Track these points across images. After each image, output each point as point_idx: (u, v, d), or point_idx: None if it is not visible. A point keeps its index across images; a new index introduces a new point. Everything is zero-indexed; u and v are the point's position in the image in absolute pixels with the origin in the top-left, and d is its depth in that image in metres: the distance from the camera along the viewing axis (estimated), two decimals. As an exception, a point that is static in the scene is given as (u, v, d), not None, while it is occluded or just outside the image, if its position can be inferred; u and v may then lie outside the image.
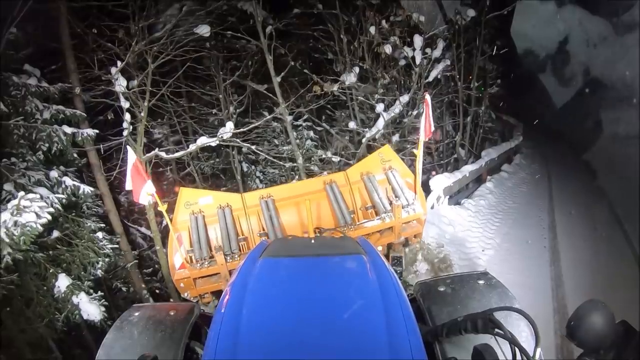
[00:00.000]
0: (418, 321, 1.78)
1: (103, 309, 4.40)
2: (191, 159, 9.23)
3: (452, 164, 10.21)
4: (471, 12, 8.71)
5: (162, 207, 3.16)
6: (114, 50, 5.90)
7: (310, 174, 8.90)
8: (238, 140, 6.67)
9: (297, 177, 9.08)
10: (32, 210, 2.86)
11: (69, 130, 4.37)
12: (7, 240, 2.72)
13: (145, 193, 3.02)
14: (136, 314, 2.32)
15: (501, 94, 12.55)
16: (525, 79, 19.11)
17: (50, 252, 4.39)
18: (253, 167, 10.73)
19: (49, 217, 3.00)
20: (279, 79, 7.23)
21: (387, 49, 6.95)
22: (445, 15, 9.41)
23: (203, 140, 5.96)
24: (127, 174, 2.93)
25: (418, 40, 6.88)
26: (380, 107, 7.52)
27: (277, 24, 7.22)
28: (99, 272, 4.74)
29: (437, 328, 1.83)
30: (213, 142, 5.97)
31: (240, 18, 7.83)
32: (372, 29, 7.01)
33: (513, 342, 1.37)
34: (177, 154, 6.39)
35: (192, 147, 6.06)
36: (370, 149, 8.50)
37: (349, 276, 1.94)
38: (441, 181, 6.63)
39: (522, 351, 1.33)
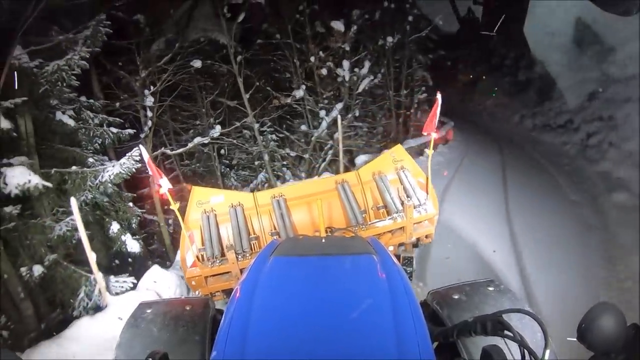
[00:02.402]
0: (437, 326, 1.90)
1: (141, 246, 6.67)
2: (177, 163, 11.49)
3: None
4: (389, 39, 11.68)
5: (174, 206, 3.23)
6: (125, 76, 8.27)
7: (273, 167, 11.25)
8: (224, 137, 9.02)
9: (264, 170, 11.46)
10: (131, 161, 5.25)
11: (115, 130, 6.70)
12: (123, 172, 5.06)
13: (163, 184, 3.19)
14: (148, 310, 2.22)
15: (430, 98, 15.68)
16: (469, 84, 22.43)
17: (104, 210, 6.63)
18: (228, 169, 13.05)
19: (137, 167, 5.33)
20: (247, 95, 8.92)
21: (324, 71, 9.66)
22: (458, 15, 11.88)
23: (198, 139, 8.31)
24: (147, 166, 3.23)
25: (346, 63, 9.68)
26: (322, 113, 10.05)
27: (245, 54, 9.18)
28: (134, 225, 6.98)
29: (448, 329, 1.84)
30: (206, 140, 8.30)
31: (216, 49, 10.17)
32: (312, 58, 9.65)
33: (522, 343, 1.38)
34: (178, 150, 8.69)
35: (190, 144, 8.37)
36: (319, 145, 11.11)
37: (359, 276, 1.93)
38: (363, 158, 9.37)
39: (531, 352, 1.34)
